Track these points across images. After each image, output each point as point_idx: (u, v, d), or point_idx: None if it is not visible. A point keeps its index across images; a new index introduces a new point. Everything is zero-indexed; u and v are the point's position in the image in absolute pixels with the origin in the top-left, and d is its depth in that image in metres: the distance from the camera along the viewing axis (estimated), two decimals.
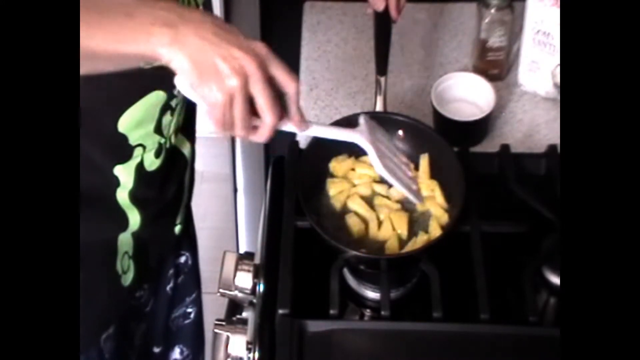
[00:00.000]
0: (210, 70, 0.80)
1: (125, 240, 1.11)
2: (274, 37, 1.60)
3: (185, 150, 1.16)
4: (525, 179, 1.15)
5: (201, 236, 1.38)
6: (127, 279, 1.13)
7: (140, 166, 1.06)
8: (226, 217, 2.01)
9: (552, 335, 0.98)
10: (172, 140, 1.10)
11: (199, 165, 1.30)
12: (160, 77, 0.95)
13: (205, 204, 2.25)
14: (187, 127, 1.15)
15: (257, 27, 1.59)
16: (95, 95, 0.94)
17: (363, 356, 1.02)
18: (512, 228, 1.10)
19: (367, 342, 1.02)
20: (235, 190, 1.88)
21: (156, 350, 1.33)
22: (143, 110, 1.00)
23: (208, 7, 1.12)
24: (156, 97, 1.01)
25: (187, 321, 1.34)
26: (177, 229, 1.21)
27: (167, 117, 1.05)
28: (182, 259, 1.30)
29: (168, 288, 1.28)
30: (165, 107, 1.03)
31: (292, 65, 1.42)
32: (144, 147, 1.04)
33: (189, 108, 1.12)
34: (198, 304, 1.35)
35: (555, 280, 1.05)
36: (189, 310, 1.34)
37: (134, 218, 1.09)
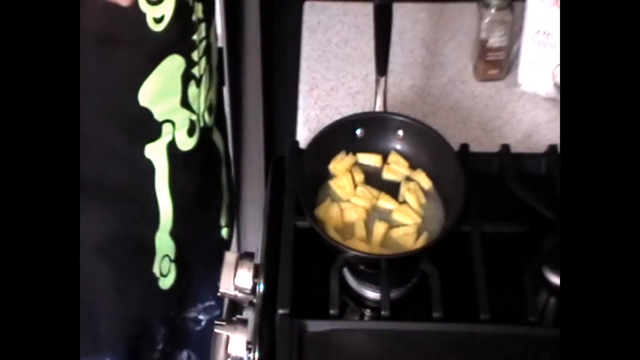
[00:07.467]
0: None
1: (163, 241, 1.08)
2: (274, 37, 1.60)
3: (219, 143, 1.13)
4: (525, 179, 1.15)
5: None
6: (167, 282, 1.11)
7: (171, 145, 1.02)
8: None
9: (552, 335, 0.98)
10: (206, 119, 1.05)
11: None
12: (171, 40, 0.93)
13: None
14: (219, 119, 1.11)
15: (257, 27, 1.58)
16: (106, 71, 0.91)
17: (363, 356, 1.02)
18: (512, 228, 1.10)
19: (367, 342, 1.02)
20: None
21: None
22: (162, 79, 0.96)
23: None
24: (173, 63, 0.97)
25: (197, 327, 1.32)
26: (224, 232, 1.17)
27: (192, 89, 1.00)
28: None
29: None
30: (188, 76, 0.99)
31: (292, 65, 1.43)
32: (173, 123, 1.00)
33: (219, 92, 1.08)
34: (211, 313, 1.32)
35: (555, 280, 1.05)
36: (201, 317, 1.31)
37: (166, 210, 1.06)
